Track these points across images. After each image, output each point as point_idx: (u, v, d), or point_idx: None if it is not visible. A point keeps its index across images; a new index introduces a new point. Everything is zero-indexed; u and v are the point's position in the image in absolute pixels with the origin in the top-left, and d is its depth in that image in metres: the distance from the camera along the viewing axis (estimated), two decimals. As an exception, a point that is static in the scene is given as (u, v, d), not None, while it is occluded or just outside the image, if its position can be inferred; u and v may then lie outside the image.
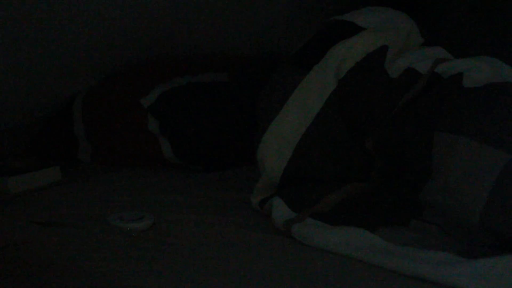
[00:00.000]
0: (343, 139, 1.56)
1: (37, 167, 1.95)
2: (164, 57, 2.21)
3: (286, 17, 2.45)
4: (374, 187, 1.51)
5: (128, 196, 1.78)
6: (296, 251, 1.44)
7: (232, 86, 2.10)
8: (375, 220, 1.38)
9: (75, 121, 2.12)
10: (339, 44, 1.60)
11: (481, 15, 2.24)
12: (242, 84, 2.10)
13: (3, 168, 1.95)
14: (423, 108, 1.47)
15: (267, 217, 1.57)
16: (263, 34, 2.42)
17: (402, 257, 1.25)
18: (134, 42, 2.11)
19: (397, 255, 1.27)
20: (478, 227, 1.29)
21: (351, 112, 1.56)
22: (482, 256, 1.21)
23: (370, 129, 1.53)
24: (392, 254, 1.27)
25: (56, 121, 2.16)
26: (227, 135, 2.04)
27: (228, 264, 1.35)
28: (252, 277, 1.29)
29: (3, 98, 1.95)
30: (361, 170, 1.55)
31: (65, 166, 2.02)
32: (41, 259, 1.39)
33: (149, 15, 2.05)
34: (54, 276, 1.34)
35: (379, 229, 1.35)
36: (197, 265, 1.34)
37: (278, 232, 1.51)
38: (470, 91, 1.43)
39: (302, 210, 1.49)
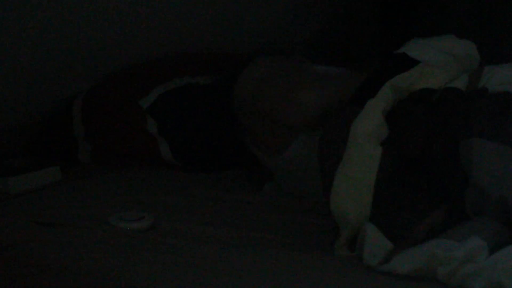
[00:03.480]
0: (413, 168, 1.47)
1: (37, 167, 1.95)
2: (164, 57, 2.20)
3: (286, 17, 2.45)
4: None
5: (128, 196, 1.78)
6: (296, 251, 1.44)
7: (214, 87, 2.08)
8: None
9: (75, 122, 2.12)
10: (395, 78, 1.54)
11: (481, 15, 2.24)
12: (223, 85, 2.07)
13: (3, 168, 1.94)
14: (447, 118, 1.44)
15: (268, 215, 1.54)
16: (264, 34, 2.42)
17: None
18: (133, 42, 2.11)
19: None
20: None
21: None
22: None
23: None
24: None
25: (56, 122, 2.16)
26: (225, 137, 2.04)
27: (228, 264, 1.35)
28: (252, 277, 1.29)
29: (3, 98, 1.95)
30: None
31: (65, 166, 2.02)
32: (41, 259, 1.39)
33: (149, 15, 2.05)
34: (54, 276, 1.34)
35: None
36: (197, 265, 1.34)
37: (279, 232, 1.51)
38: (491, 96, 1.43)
39: (397, 240, 1.35)
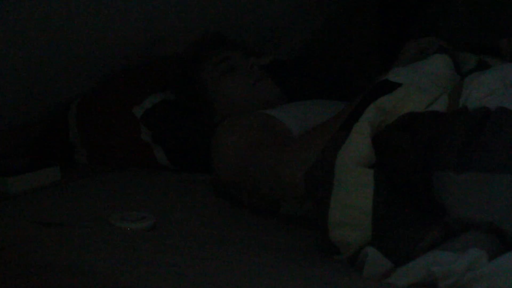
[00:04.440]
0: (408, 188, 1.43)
1: (36, 167, 1.95)
2: (160, 62, 2.20)
3: (286, 17, 2.45)
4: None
5: (128, 196, 1.78)
6: (296, 251, 1.44)
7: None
8: None
9: (71, 128, 2.13)
10: (379, 100, 1.50)
11: (481, 14, 2.24)
12: None
13: (3, 168, 1.94)
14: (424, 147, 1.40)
15: (270, 216, 1.53)
16: (264, 34, 2.42)
17: None
18: (133, 42, 2.11)
19: None
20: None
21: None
22: None
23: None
24: None
25: (53, 126, 2.16)
26: None
27: (229, 264, 1.35)
28: (253, 277, 1.29)
29: (3, 99, 1.95)
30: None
31: (65, 166, 2.02)
32: (41, 259, 1.38)
33: (148, 16, 2.05)
34: (54, 276, 1.34)
35: None
36: (198, 266, 1.34)
37: (279, 233, 1.51)
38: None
39: (398, 259, 1.32)
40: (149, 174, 1.98)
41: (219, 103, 1.92)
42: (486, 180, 1.30)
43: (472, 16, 2.24)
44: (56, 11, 1.81)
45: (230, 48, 2.03)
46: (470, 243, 1.26)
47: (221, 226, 1.56)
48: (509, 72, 1.51)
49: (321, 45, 2.64)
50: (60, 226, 1.54)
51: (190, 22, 2.17)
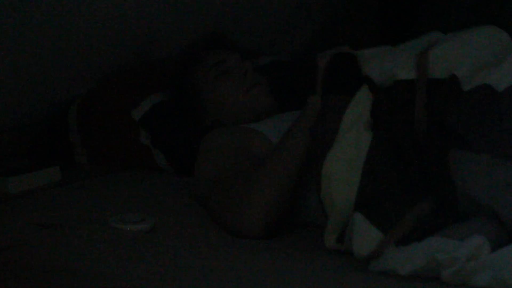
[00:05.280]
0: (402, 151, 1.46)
1: (37, 167, 1.95)
2: (159, 63, 2.20)
3: (286, 17, 2.45)
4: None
5: (128, 198, 1.78)
6: (297, 251, 1.44)
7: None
8: None
9: (71, 129, 2.13)
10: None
11: (481, 13, 2.24)
12: None
13: (3, 168, 1.94)
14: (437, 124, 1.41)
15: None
16: (264, 34, 2.42)
17: None
18: (133, 43, 2.11)
19: None
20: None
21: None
22: None
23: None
24: None
25: (53, 126, 2.16)
26: None
27: (229, 266, 1.35)
28: (252, 279, 1.29)
29: (3, 98, 1.95)
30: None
31: (65, 166, 2.02)
32: (40, 261, 1.39)
33: (148, 16, 2.05)
34: (53, 277, 1.34)
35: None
36: (197, 268, 1.34)
37: (279, 233, 1.51)
38: (470, 97, 1.39)
39: (386, 229, 1.34)
40: (149, 176, 1.97)
41: (210, 106, 1.90)
42: (497, 165, 1.31)
43: (475, 11, 2.24)
44: (56, 12, 1.81)
45: (228, 49, 2.01)
46: (473, 230, 1.27)
47: (221, 229, 1.56)
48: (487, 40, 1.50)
49: (321, 45, 2.64)
50: (60, 228, 1.54)
51: (190, 23, 2.17)
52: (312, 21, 2.55)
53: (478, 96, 1.38)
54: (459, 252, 1.23)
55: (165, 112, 2.01)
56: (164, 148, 2.00)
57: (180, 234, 1.53)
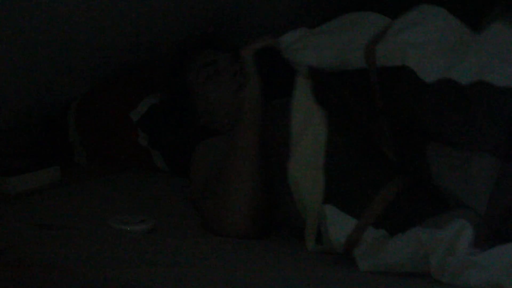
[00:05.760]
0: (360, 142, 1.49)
1: (37, 167, 1.95)
2: (156, 63, 2.20)
3: (287, 17, 2.45)
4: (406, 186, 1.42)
5: (128, 198, 1.78)
6: (297, 251, 1.44)
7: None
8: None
9: (70, 129, 2.13)
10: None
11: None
12: None
13: (3, 168, 1.94)
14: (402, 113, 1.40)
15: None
16: (263, 34, 2.41)
17: None
18: (133, 43, 2.11)
19: None
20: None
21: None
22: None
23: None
24: None
25: (53, 127, 2.16)
26: None
27: (229, 266, 1.35)
28: (253, 279, 1.29)
29: (3, 98, 1.95)
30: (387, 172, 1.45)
31: (65, 167, 2.02)
32: (40, 261, 1.38)
33: (147, 16, 2.05)
34: (53, 278, 1.34)
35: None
36: (197, 268, 1.34)
37: (278, 232, 1.51)
38: (433, 89, 1.36)
39: (358, 213, 1.37)
40: (149, 177, 1.98)
41: (201, 107, 1.90)
42: (470, 158, 1.32)
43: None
44: (56, 12, 1.81)
45: (220, 50, 2.00)
46: (455, 217, 1.28)
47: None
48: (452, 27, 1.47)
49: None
50: (59, 228, 1.54)
51: (190, 23, 2.17)
52: (312, 21, 2.55)
53: (444, 89, 1.35)
54: (443, 231, 1.25)
55: (162, 113, 2.01)
56: (162, 148, 2.00)
57: (180, 235, 1.53)
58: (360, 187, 1.40)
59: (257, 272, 1.32)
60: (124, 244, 1.45)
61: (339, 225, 1.36)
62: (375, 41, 1.44)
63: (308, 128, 1.47)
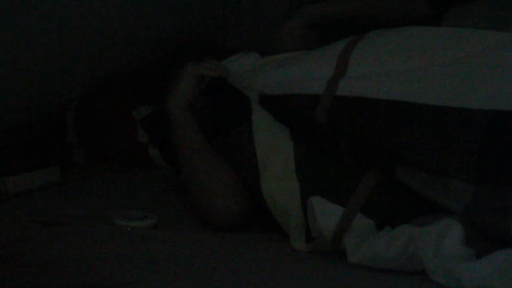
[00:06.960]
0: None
1: (36, 167, 1.95)
2: (156, 65, 2.20)
3: (286, 17, 2.45)
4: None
5: (129, 195, 1.79)
6: (297, 251, 1.44)
7: None
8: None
9: (68, 130, 2.14)
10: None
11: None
12: None
13: (3, 168, 1.95)
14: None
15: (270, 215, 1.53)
16: (263, 34, 2.42)
17: None
18: (132, 43, 2.12)
19: None
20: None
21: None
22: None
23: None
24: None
25: (52, 128, 2.17)
26: None
27: (230, 264, 1.35)
28: (254, 277, 1.29)
29: (3, 99, 1.96)
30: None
31: (64, 166, 2.03)
32: (41, 258, 1.39)
33: (147, 16, 2.05)
34: (54, 275, 1.34)
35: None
36: (199, 266, 1.34)
37: (280, 230, 1.51)
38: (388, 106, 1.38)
39: (344, 201, 1.38)
40: (149, 174, 1.98)
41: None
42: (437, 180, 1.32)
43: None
44: (56, 12, 1.81)
45: (209, 54, 2.00)
46: (443, 216, 1.29)
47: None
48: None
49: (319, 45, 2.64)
50: (60, 225, 1.54)
51: (189, 23, 2.18)
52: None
53: (401, 111, 1.36)
54: (432, 226, 1.26)
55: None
56: (161, 146, 2.01)
57: (182, 232, 1.53)
58: (340, 180, 1.41)
59: (258, 271, 1.32)
60: (125, 240, 1.45)
61: (328, 214, 1.37)
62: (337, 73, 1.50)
63: (274, 145, 1.51)
